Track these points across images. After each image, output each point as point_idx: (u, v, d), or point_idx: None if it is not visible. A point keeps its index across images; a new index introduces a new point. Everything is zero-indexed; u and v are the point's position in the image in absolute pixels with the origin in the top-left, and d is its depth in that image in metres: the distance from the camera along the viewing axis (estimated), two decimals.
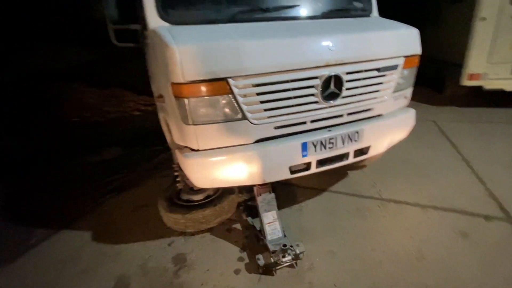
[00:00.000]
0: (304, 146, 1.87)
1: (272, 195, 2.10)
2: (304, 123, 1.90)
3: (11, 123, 5.05)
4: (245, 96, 1.67)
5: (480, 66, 4.49)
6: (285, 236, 2.04)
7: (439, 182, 2.85)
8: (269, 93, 1.70)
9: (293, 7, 2.15)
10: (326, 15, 2.27)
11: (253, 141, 1.80)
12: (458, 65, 4.69)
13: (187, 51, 1.55)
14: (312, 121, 1.92)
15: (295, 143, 1.84)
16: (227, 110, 1.69)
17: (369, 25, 2.24)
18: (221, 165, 1.76)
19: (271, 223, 2.05)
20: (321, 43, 1.76)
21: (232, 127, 1.73)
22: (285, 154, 1.84)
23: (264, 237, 2.02)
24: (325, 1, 2.31)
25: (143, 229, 2.42)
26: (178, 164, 2.10)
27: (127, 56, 5.20)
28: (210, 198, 2.31)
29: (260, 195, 2.09)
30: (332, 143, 1.95)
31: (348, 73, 1.87)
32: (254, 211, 2.43)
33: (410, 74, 2.23)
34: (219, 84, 1.61)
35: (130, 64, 5.45)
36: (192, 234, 2.31)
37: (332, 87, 1.84)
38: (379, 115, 2.18)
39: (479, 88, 4.62)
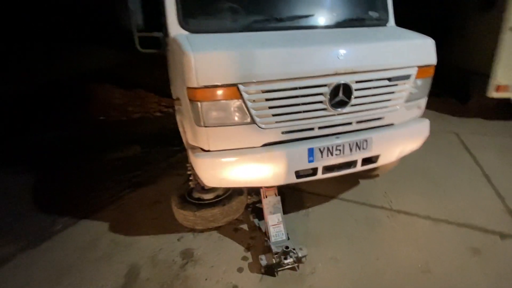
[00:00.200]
0: (311, 152, 1.91)
1: (278, 198, 2.16)
2: (312, 129, 1.95)
3: (52, 118, 5.50)
4: (254, 101, 1.75)
5: (509, 78, 4.28)
6: (288, 239, 2.09)
7: (454, 196, 2.77)
8: (277, 99, 1.78)
9: (306, 17, 2.22)
10: (340, 24, 2.31)
11: (261, 144, 1.88)
12: (484, 76, 4.50)
13: (202, 58, 1.66)
14: (320, 128, 1.96)
15: (302, 148, 1.89)
16: (237, 114, 1.79)
17: (382, 35, 2.25)
18: (229, 166, 1.85)
19: (276, 225, 2.10)
20: (329, 52, 1.82)
21: (241, 130, 1.82)
22: (291, 158, 1.90)
23: (268, 238, 2.08)
24: (339, 11, 2.36)
25: (156, 223, 2.56)
26: (191, 163, 2.22)
27: (153, 60, 5.50)
28: (220, 198, 2.41)
29: (266, 197, 2.15)
30: (340, 150, 1.98)
31: (357, 82, 1.90)
32: (261, 213, 2.49)
33: (424, 84, 2.21)
34: (230, 90, 1.71)
35: (156, 68, 5.77)
36: (201, 231, 2.41)
37: (340, 95, 1.88)
38: (390, 124, 2.18)
39: (506, 101, 4.40)
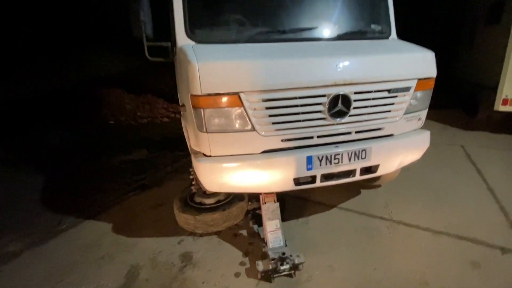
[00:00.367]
0: (309, 160, 1.96)
1: (277, 204, 2.20)
2: (311, 137, 1.99)
3: (65, 122, 5.71)
4: (255, 109, 1.82)
5: None
6: (286, 245, 2.11)
7: (457, 209, 2.74)
8: (277, 108, 1.85)
9: (309, 30, 2.30)
10: (342, 37, 2.38)
11: (261, 151, 1.94)
12: (492, 89, 4.48)
13: (206, 68, 1.75)
14: (319, 136, 2.01)
15: (300, 156, 1.94)
16: (238, 121, 1.85)
17: (382, 47, 2.31)
18: (229, 171, 1.91)
19: (274, 231, 2.13)
20: (329, 63, 1.88)
21: (242, 137, 1.89)
22: (290, 166, 1.94)
23: (266, 244, 2.11)
24: (341, 24, 2.43)
25: (158, 226, 2.62)
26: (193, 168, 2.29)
27: (163, 66, 5.67)
28: (220, 203, 2.46)
29: (265, 203, 2.19)
30: (338, 159, 2.02)
31: (356, 93, 1.95)
32: (261, 220, 2.51)
33: (424, 96, 2.24)
34: (232, 98, 1.79)
35: (165, 74, 5.94)
36: (201, 235, 2.46)
37: (339, 106, 1.93)
38: (390, 135, 2.21)
39: None
